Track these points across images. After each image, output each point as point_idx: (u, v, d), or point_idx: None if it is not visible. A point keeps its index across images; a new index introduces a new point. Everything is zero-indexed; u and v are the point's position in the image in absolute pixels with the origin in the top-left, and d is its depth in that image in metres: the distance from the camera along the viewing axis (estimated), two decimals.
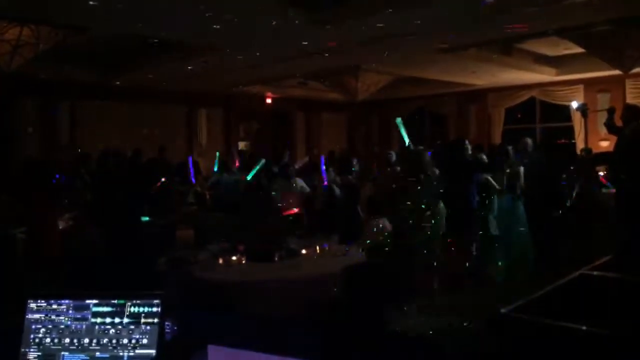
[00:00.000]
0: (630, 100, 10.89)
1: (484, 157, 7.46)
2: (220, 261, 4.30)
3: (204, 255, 4.58)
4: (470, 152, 6.68)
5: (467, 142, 6.75)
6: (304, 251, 4.57)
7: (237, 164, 8.75)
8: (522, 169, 7.05)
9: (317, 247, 4.58)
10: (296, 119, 15.03)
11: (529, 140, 8.14)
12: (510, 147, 7.26)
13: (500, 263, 6.64)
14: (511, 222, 6.85)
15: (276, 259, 4.33)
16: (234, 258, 4.32)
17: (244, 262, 4.31)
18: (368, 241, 4.94)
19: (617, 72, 8.31)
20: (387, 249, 4.58)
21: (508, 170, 7.08)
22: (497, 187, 6.84)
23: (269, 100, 13.88)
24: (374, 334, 1.45)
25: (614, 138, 10.97)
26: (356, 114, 15.00)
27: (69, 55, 8.44)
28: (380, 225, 5.05)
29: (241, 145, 14.19)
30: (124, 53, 8.76)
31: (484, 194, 6.57)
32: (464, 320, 4.39)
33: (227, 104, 13.37)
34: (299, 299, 3.78)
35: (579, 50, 8.86)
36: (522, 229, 6.84)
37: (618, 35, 7.05)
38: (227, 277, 4.03)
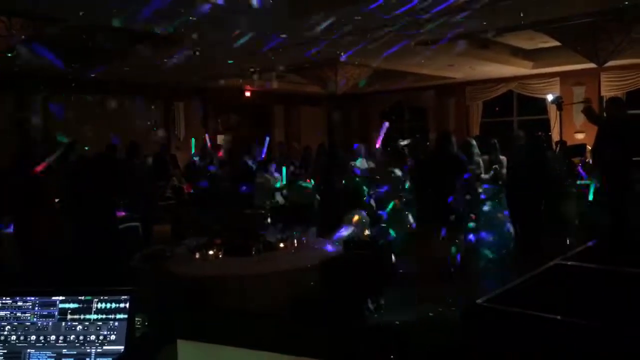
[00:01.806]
0: (604, 93, 11.10)
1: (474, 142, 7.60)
2: (197, 256, 4.26)
3: (180, 250, 4.53)
4: (455, 145, 6.81)
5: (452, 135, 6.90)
6: (281, 245, 4.55)
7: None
8: (504, 158, 7.15)
9: (295, 241, 4.56)
10: (275, 112, 14.95)
11: (522, 133, 8.19)
12: (496, 141, 7.35)
13: (484, 252, 6.75)
14: (495, 210, 6.95)
15: (253, 252, 4.30)
16: (210, 252, 4.28)
17: (220, 256, 4.27)
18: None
19: (592, 65, 8.42)
20: (364, 240, 4.60)
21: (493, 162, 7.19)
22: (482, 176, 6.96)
23: (247, 94, 13.79)
24: (350, 327, 1.44)
25: (590, 131, 11.14)
26: (336, 107, 14.98)
27: (42, 46, 8.24)
28: (358, 218, 5.06)
29: (220, 138, 14.08)
30: (99, 45, 8.58)
31: (469, 183, 6.68)
32: (441, 311, 4.42)
33: (205, 96, 13.24)
34: (276, 292, 3.77)
35: (555, 43, 8.97)
36: (504, 217, 6.94)
37: (592, 28, 7.14)
38: (204, 272, 4.00)
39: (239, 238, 4.48)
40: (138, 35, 7.60)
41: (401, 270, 5.49)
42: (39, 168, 4.95)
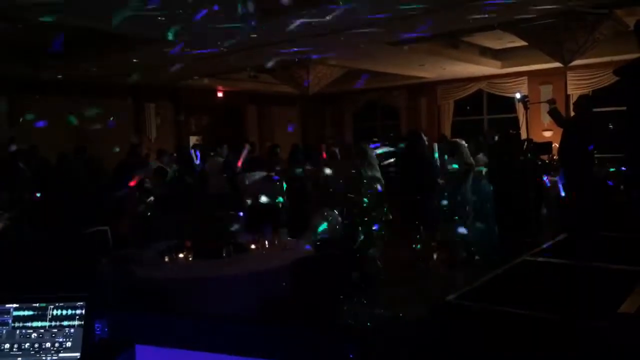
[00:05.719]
0: (571, 91, 11.34)
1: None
2: (166, 259, 4.18)
3: (149, 253, 4.44)
4: (427, 143, 6.88)
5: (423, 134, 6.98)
6: (252, 246, 4.50)
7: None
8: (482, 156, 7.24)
9: (266, 242, 4.52)
10: (248, 113, 14.87)
11: (494, 132, 8.29)
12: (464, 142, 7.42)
13: (472, 248, 6.81)
14: (483, 206, 7.01)
15: (224, 254, 4.24)
16: (180, 255, 4.20)
17: (190, 259, 4.21)
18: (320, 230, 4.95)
19: (558, 64, 8.59)
20: (336, 240, 4.59)
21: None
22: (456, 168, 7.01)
23: (220, 94, 13.67)
24: (316, 327, 1.42)
25: (557, 129, 11.34)
26: (309, 107, 14.97)
27: (6, 47, 8.03)
28: (329, 218, 5.05)
29: (193, 139, 13.94)
30: (66, 45, 8.39)
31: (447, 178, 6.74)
32: (413, 309, 4.43)
33: (177, 97, 13.08)
34: (247, 294, 3.72)
35: (523, 43, 9.12)
36: (490, 213, 7.00)
37: (557, 29, 7.28)
38: (173, 275, 3.92)
39: (209, 240, 4.41)
40: (106, 35, 7.45)
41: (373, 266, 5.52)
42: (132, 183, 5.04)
